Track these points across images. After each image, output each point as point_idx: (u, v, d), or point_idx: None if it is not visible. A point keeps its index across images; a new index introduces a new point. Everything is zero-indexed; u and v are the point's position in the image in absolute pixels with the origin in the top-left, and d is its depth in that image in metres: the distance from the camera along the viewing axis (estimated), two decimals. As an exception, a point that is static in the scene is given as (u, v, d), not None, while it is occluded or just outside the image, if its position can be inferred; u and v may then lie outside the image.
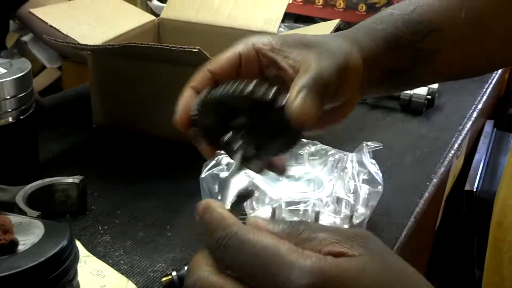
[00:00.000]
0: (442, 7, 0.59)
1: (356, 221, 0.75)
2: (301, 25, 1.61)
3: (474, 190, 1.48)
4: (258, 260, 0.34)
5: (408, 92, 1.19)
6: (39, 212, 0.68)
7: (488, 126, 1.79)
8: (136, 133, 1.01)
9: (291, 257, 0.33)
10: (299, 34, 0.56)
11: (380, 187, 0.78)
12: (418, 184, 0.93)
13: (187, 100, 0.53)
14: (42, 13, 0.95)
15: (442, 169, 1.00)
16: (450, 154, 1.05)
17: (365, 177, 0.80)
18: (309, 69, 0.50)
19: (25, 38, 2.75)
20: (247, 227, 0.36)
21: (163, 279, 0.63)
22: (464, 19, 0.59)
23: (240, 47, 0.54)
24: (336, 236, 0.36)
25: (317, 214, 0.73)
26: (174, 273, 0.63)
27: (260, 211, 0.76)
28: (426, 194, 0.91)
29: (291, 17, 1.81)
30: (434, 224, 1.33)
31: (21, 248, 0.54)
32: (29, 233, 0.56)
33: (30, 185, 0.74)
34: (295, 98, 0.46)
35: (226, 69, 0.53)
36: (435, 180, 0.95)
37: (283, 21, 1.18)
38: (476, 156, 1.65)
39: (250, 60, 0.53)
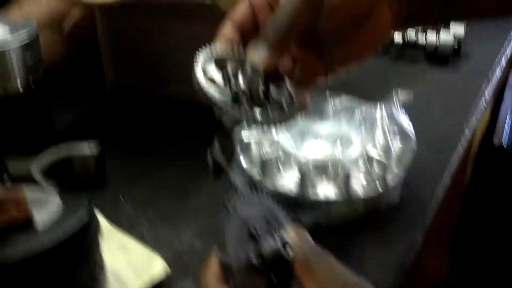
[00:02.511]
0: None
1: (391, 183, 0.71)
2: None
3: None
4: None
5: (434, 40, 1.13)
6: (56, 183, 0.65)
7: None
8: (151, 95, 0.97)
9: None
10: None
11: (413, 143, 0.74)
12: (450, 135, 0.88)
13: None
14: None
15: (474, 118, 0.95)
16: (481, 103, 1.00)
17: (396, 132, 0.76)
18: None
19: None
20: None
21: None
22: None
23: None
24: None
25: (347, 176, 0.69)
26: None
27: (287, 175, 0.72)
28: (459, 146, 0.86)
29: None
30: (464, 178, 1.29)
31: (38, 224, 0.51)
32: (47, 208, 0.53)
33: (45, 152, 0.71)
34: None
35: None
36: (467, 130, 0.91)
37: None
38: (503, 108, 1.60)
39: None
